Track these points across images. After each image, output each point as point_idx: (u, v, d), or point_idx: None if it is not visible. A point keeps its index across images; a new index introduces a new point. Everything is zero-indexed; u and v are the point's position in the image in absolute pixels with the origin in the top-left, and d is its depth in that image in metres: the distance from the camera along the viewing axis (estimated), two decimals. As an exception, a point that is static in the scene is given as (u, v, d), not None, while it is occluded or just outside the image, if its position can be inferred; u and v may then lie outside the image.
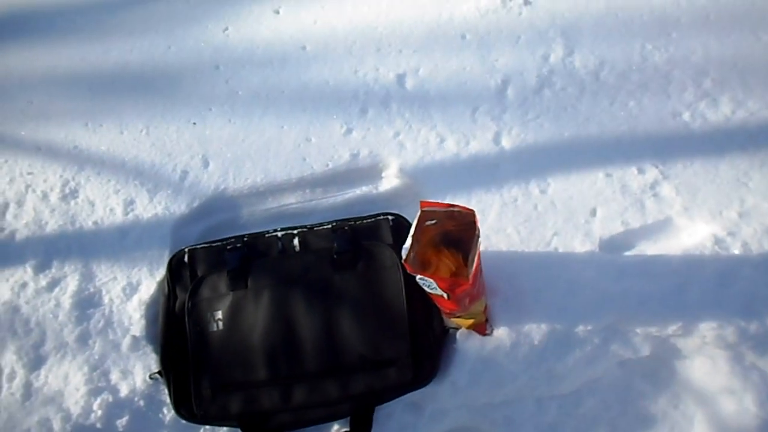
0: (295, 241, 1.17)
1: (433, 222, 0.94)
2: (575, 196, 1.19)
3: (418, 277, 0.94)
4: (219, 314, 1.12)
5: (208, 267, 1.16)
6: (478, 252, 0.93)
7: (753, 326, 1.06)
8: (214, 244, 1.18)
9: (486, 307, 1.10)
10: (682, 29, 1.31)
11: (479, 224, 0.92)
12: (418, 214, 0.93)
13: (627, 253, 1.15)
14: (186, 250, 1.18)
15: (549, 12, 1.36)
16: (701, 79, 1.26)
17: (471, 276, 0.91)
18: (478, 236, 0.92)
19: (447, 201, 1.10)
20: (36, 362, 1.18)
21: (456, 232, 0.93)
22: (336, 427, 1.12)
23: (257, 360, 1.09)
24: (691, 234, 1.15)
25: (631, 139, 1.22)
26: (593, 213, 1.17)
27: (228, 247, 1.17)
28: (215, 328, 1.12)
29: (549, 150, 1.23)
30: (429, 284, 0.94)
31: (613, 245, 1.16)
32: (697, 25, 1.30)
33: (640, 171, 1.20)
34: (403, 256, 0.91)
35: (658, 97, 1.25)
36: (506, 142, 1.25)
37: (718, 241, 1.12)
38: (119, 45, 1.48)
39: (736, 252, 1.11)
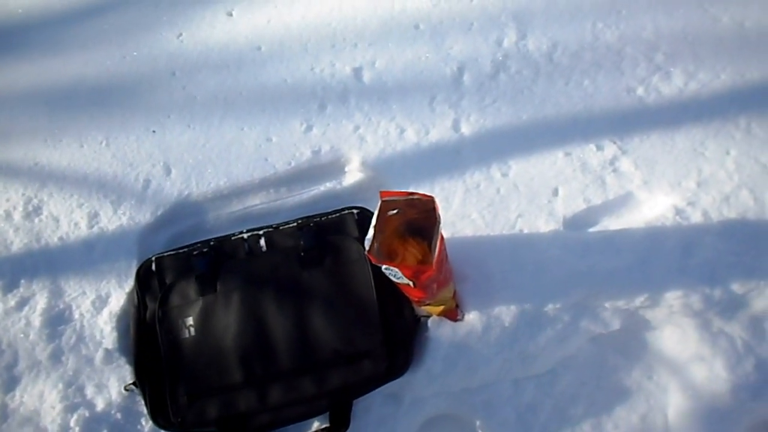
0: (262, 242, 1.17)
1: (395, 212, 0.94)
2: (536, 177, 1.20)
3: (383, 267, 0.94)
4: (190, 320, 1.12)
5: (176, 274, 1.16)
6: (440, 238, 0.94)
7: (717, 292, 1.08)
8: (180, 251, 1.18)
9: (455, 293, 1.11)
10: (632, 6, 1.32)
11: (440, 210, 0.93)
12: (379, 204, 0.94)
13: (591, 230, 1.16)
14: (153, 258, 1.18)
15: (500, -3, 1.37)
16: (653, 54, 1.27)
17: (434, 262, 0.92)
18: (439, 222, 0.93)
19: (410, 190, 1.11)
20: (10, 383, 1.17)
21: (419, 220, 0.93)
22: (316, 424, 1.12)
23: (231, 363, 1.09)
24: (652, 206, 1.16)
25: (587, 117, 1.24)
26: (555, 193, 1.19)
27: (194, 252, 1.17)
28: (187, 335, 1.11)
29: (508, 133, 1.24)
30: (394, 274, 0.95)
31: (577, 223, 1.17)
32: (645, 1, 1.32)
33: (599, 148, 1.21)
34: (366, 248, 0.92)
35: (612, 74, 1.27)
36: (465, 129, 1.26)
37: (678, 211, 1.14)
38: (75, 58, 1.47)
39: (697, 221, 1.13)
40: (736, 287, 1.08)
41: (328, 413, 1.10)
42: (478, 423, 1.11)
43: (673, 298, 1.09)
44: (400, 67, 1.34)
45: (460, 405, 1.13)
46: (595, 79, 1.26)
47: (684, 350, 1.10)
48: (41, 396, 1.15)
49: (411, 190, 1.16)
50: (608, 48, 1.29)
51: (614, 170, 1.19)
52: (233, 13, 1.47)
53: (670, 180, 1.16)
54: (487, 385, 1.12)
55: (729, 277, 1.08)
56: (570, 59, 1.29)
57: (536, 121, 1.25)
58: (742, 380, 1.06)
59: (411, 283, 0.96)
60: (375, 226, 0.93)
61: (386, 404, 1.13)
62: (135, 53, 1.45)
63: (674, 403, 1.09)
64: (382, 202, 0.94)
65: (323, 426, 1.10)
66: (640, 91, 1.24)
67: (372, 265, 1.10)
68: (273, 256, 1.15)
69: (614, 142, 1.21)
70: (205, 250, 1.16)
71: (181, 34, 1.46)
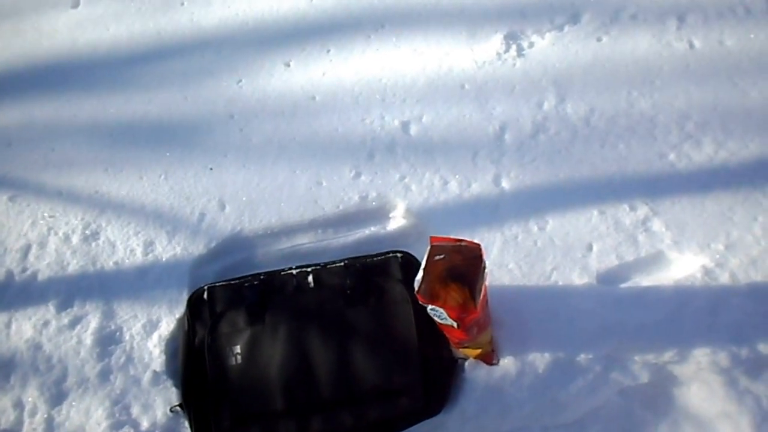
0: (309, 278, 1.22)
1: (442, 257, 0.99)
2: (572, 233, 1.26)
3: (429, 307, 0.99)
4: (237, 348, 1.17)
5: (227, 303, 1.21)
6: (485, 282, 1.00)
7: (744, 351, 1.12)
8: (232, 282, 1.23)
9: (492, 338, 1.15)
10: (665, 77, 1.41)
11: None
12: (428, 248, 0.99)
13: (622, 285, 1.21)
14: (205, 287, 1.24)
15: (541, 63, 1.46)
16: (684, 123, 1.35)
17: (479, 305, 0.97)
18: (485, 267, 0.98)
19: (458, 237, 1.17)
20: (58, 398, 1.21)
21: (462, 267, 0.98)
22: (349, 458, 1.16)
23: (275, 391, 1.13)
24: (682, 266, 1.21)
25: (621, 179, 1.31)
26: (589, 248, 1.25)
27: (245, 284, 1.22)
28: (234, 362, 1.16)
29: (546, 190, 1.31)
30: (439, 314, 1.00)
31: (609, 278, 1.22)
32: (678, 73, 1.41)
33: (632, 208, 1.27)
34: (415, 288, 0.97)
35: (645, 140, 1.34)
36: (505, 184, 1.33)
37: (707, 272, 1.19)
38: (138, 96, 1.57)
39: (725, 282, 1.18)
40: (762, 347, 1.12)
41: (362, 448, 1.13)
42: (505, 469, 1.13)
43: (701, 354, 1.12)
44: (446, 123, 1.42)
45: (489, 449, 1.16)
46: (630, 143, 1.34)
47: (710, 407, 1.13)
48: (87, 412, 1.20)
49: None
50: (642, 115, 1.37)
51: (646, 230, 1.25)
52: (291, 63, 1.57)
53: (700, 241, 1.22)
54: (516, 431, 1.16)
55: (755, 338, 1.12)
56: (606, 124, 1.37)
57: (573, 180, 1.32)
58: (766, 439, 1.09)
59: (455, 324, 1.01)
60: (424, 269, 0.99)
61: (418, 444, 1.17)
62: (196, 95, 1.55)
63: (698, 460, 1.12)
64: (432, 246, 1.00)
65: (357, 460, 1.14)
66: (671, 156, 1.32)
67: (415, 306, 1.15)
68: (320, 292, 1.21)
69: (646, 204, 1.27)
70: (255, 282, 1.22)
71: (240, 81, 1.56)
